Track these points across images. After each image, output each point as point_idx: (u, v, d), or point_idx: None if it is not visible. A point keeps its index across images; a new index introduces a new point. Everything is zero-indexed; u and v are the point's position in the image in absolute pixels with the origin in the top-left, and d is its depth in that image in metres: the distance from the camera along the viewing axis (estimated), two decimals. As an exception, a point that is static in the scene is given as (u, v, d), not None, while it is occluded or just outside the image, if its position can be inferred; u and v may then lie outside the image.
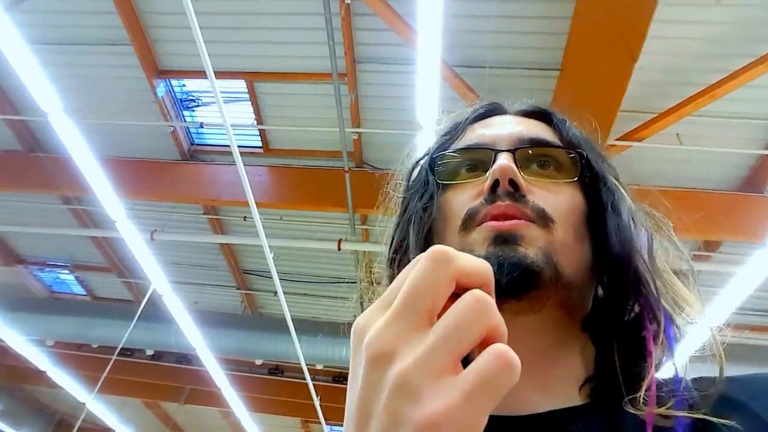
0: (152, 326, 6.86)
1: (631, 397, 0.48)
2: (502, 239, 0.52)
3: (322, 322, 6.97)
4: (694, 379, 0.51)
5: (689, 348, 0.56)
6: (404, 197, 0.69)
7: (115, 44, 4.56)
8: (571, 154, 0.60)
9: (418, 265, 0.33)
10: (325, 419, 8.15)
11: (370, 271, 0.72)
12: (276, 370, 9.28)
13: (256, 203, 4.62)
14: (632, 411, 0.47)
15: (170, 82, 5.03)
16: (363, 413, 0.31)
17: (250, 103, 5.04)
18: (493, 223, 0.53)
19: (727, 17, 3.82)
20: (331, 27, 3.93)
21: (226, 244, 6.69)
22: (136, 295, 7.71)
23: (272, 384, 9.27)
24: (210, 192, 5.29)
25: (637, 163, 4.71)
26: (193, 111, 5.34)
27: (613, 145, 4.23)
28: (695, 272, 0.59)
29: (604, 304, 0.55)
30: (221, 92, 4.98)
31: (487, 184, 0.55)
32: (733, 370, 0.49)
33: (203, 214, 6.23)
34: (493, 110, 0.70)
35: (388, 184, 0.75)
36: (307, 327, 6.40)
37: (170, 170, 5.42)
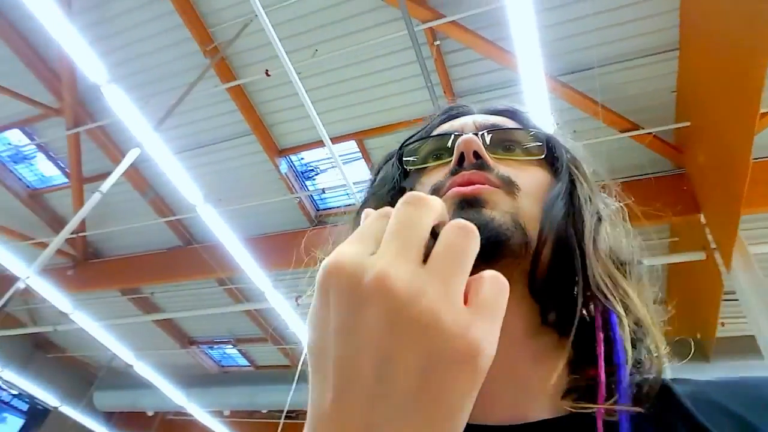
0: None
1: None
2: (467, 203, 0.51)
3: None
4: (672, 380, 0.50)
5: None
6: (371, 189, 0.70)
7: (240, 137, 5.10)
8: (535, 135, 0.61)
9: (398, 206, 0.34)
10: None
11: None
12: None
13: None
14: (580, 410, 0.46)
15: (290, 159, 5.46)
16: (379, 354, 0.29)
17: (363, 160, 5.26)
18: (457, 188, 0.52)
19: None
20: (426, 71, 4.02)
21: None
22: (293, 360, 8.19)
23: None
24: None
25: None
26: (314, 180, 5.71)
27: (765, 113, 3.68)
28: (638, 262, 0.57)
29: (549, 288, 0.52)
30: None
31: (454, 158, 0.55)
32: None
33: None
34: (460, 112, 0.69)
35: None
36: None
37: (302, 238, 5.77)
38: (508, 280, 0.48)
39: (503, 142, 0.59)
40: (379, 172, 0.70)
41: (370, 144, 5.15)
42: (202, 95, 4.57)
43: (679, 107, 4.22)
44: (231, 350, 9.13)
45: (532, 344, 0.51)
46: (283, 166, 5.36)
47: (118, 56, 4.61)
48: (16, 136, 5.84)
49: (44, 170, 6.20)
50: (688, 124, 4.07)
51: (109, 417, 10.68)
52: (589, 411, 0.45)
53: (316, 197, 5.85)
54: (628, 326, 0.49)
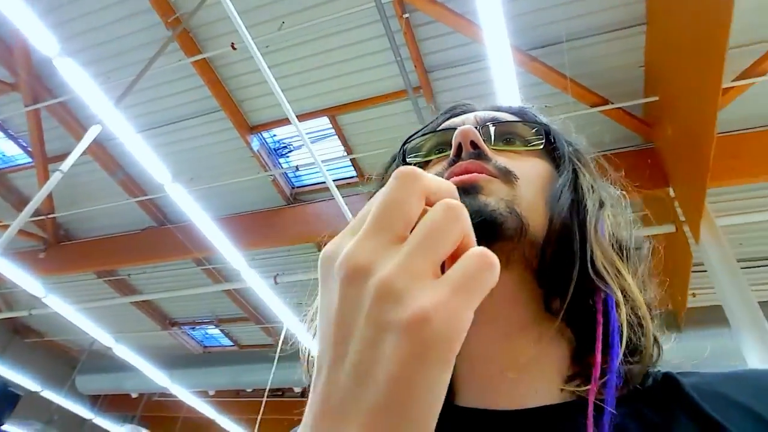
0: (295, 365, 7.21)
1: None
2: (463, 190, 0.50)
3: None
4: (678, 373, 0.51)
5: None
6: (377, 189, 0.70)
7: (208, 113, 5.02)
8: (534, 127, 0.62)
9: (387, 184, 0.32)
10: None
11: None
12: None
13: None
14: (575, 392, 0.48)
15: (262, 135, 5.39)
16: (341, 333, 0.30)
17: (337, 136, 5.22)
18: (453, 178, 0.53)
19: None
20: (395, 44, 3.97)
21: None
22: (275, 338, 8.23)
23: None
24: (317, 229, 5.51)
25: (765, 101, 4.09)
26: (288, 157, 5.65)
27: (729, 88, 3.71)
28: (638, 247, 0.57)
29: (552, 275, 0.52)
30: (309, 133, 5.26)
31: (452, 149, 0.56)
32: None
33: (318, 251, 6.50)
34: (463, 110, 0.70)
35: None
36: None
37: (278, 216, 5.77)
38: (505, 263, 0.49)
39: (503, 135, 0.61)
40: (386, 172, 0.72)
41: (344, 120, 5.10)
42: (166, 70, 4.47)
43: (647, 82, 4.22)
44: (213, 330, 9.14)
45: (535, 331, 0.52)
46: (255, 143, 5.29)
47: (73, 28, 4.46)
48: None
49: (6, 149, 6.04)
50: (656, 98, 4.08)
51: (94, 400, 10.71)
52: (583, 393, 0.47)
53: (290, 174, 5.81)
54: (626, 310, 0.50)
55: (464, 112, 0.69)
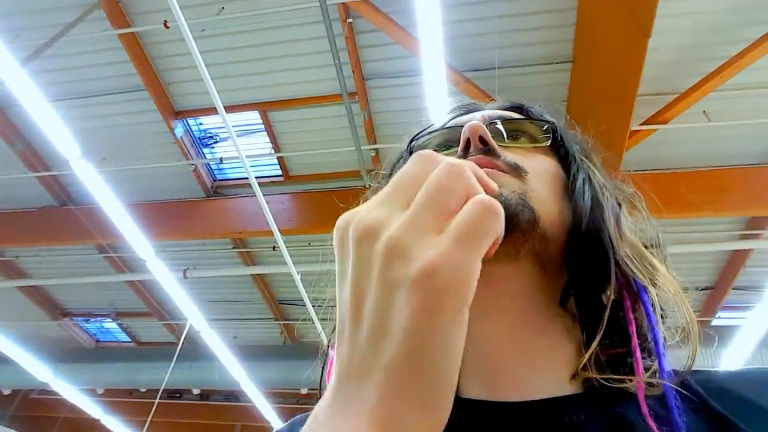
0: (195, 365, 6.93)
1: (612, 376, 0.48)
2: None
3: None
4: (694, 371, 0.50)
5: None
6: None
7: (131, 91, 4.72)
8: (541, 125, 0.62)
9: (409, 160, 0.35)
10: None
11: None
12: (322, 399, 9.20)
13: (282, 231, 4.64)
14: (620, 386, 0.47)
15: (187, 122, 5.15)
16: (357, 296, 0.31)
17: (266, 132, 5.10)
18: None
19: (741, -16, 3.68)
20: (335, 48, 3.96)
21: (259, 277, 6.74)
22: (178, 337, 7.81)
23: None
24: (236, 225, 5.34)
25: (664, 148, 4.54)
26: (213, 148, 5.44)
27: (636, 131, 4.08)
28: (664, 245, 0.58)
29: (576, 271, 0.53)
30: (237, 126, 5.10)
31: (461, 145, 0.56)
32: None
33: (233, 248, 6.30)
34: (470, 109, 0.71)
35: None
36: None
37: (196, 208, 5.51)
38: (515, 256, 0.50)
39: (510, 132, 0.60)
40: (392, 169, 0.71)
41: (275, 117, 5.00)
42: (88, 39, 4.15)
43: (568, 117, 4.52)
44: (110, 324, 8.51)
45: (544, 323, 0.52)
46: (179, 130, 5.04)
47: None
48: None
49: None
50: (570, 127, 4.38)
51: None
52: (618, 386, 0.46)
53: (213, 166, 5.59)
54: (658, 304, 0.50)
55: (471, 111, 0.69)
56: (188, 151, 5.22)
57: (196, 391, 9.47)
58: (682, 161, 4.68)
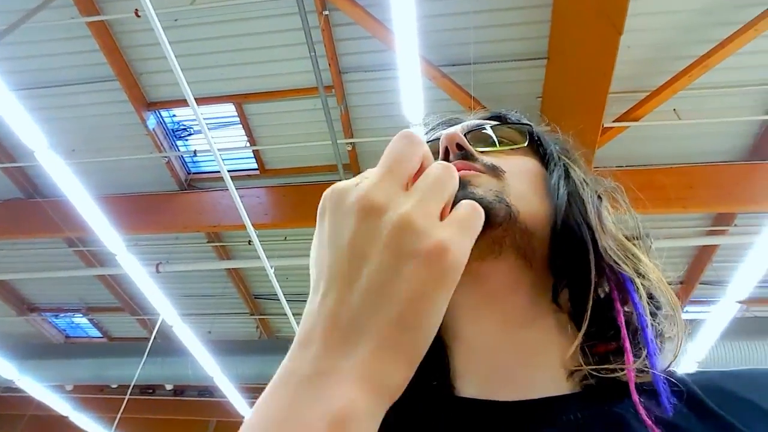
0: (168, 360, 6.83)
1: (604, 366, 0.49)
2: None
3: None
4: (692, 372, 0.51)
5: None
6: None
7: (101, 81, 4.59)
8: (520, 129, 0.64)
9: (395, 140, 0.39)
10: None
11: None
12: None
13: (257, 225, 4.60)
14: (612, 375, 0.47)
15: (160, 114, 5.04)
16: (354, 258, 0.34)
17: (241, 125, 5.03)
18: None
19: (711, -15, 3.76)
20: (311, 40, 3.92)
21: (234, 271, 6.67)
22: (151, 332, 7.68)
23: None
24: (210, 219, 5.26)
25: (636, 145, 4.63)
26: (187, 140, 5.34)
27: (608, 128, 4.15)
28: (646, 235, 0.60)
29: (562, 265, 0.54)
30: (212, 118, 5.02)
31: (440, 153, 0.58)
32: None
33: (208, 242, 6.22)
34: (451, 122, 0.72)
35: None
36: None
37: (169, 201, 5.41)
38: (498, 252, 0.52)
39: (488, 138, 0.62)
40: None
41: (250, 109, 4.93)
42: (54, 26, 4.03)
43: (542, 112, 4.58)
44: (80, 319, 8.33)
45: (535, 320, 0.52)
46: (151, 121, 4.93)
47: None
48: None
49: None
50: (548, 129, 4.44)
51: None
52: (611, 376, 0.47)
53: (187, 159, 5.49)
54: (644, 293, 0.51)
55: (453, 124, 0.69)
56: (161, 144, 5.11)
57: (169, 387, 9.34)
58: (652, 158, 4.78)
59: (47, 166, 4.06)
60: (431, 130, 0.72)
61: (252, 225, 4.38)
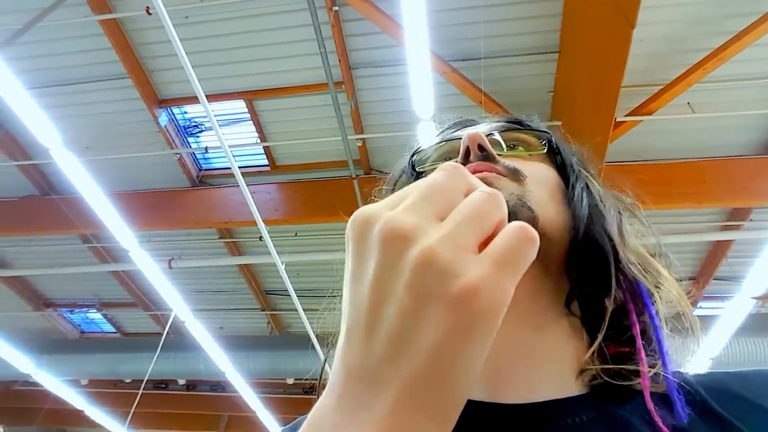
0: (181, 355, 6.89)
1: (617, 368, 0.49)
2: None
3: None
4: (698, 374, 0.51)
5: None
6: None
7: (113, 78, 4.63)
8: (538, 135, 0.64)
9: (436, 171, 0.34)
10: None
11: None
12: (311, 389, 9.22)
13: (268, 221, 4.61)
14: (625, 383, 0.47)
15: (172, 111, 5.08)
16: (376, 297, 0.30)
17: (252, 122, 5.05)
18: None
19: (726, -24, 3.70)
20: (321, 36, 3.92)
21: (246, 267, 6.71)
22: (164, 327, 7.76)
23: (307, 404, 9.21)
24: (222, 215, 5.30)
25: (649, 139, 4.58)
26: (198, 137, 5.38)
27: (621, 122, 4.10)
28: (664, 251, 0.60)
29: (579, 275, 0.53)
30: (223, 115, 5.05)
31: (461, 153, 0.57)
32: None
33: (219, 238, 6.26)
34: (467, 124, 0.72)
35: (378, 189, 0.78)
36: (335, 341, 6.33)
37: (181, 198, 5.46)
38: None
39: (508, 141, 0.62)
40: (394, 184, 0.72)
41: (260, 106, 4.95)
42: (68, 25, 4.06)
43: (554, 107, 4.54)
44: (94, 315, 8.43)
45: (546, 324, 0.52)
46: (163, 118, 4.97)
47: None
48: None
49: None
50: (559, 123, 4.40)
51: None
52: (623, 383, 0.47)
53: (199, 155, 5.53)
54: (662, 306, 0.51)
55: (468, 126, 0.70)
56: (173, 140, 5.15)
57: (182, 382, 9.44)
58: (666, 152, 4.72)
59: (61, 164, 4.11)
60: (446, 129, 0.73)
61: (263, 221, 4.40)
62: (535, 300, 0.52)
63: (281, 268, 4.70)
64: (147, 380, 6.67)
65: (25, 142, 5.22)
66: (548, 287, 0.53)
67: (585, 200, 0.55)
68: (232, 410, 9.18)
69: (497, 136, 0.61)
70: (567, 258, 0.53)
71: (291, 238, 5.87)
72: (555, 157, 0.63)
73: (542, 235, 0.48)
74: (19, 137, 5.18)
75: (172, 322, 6.04)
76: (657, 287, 0.52)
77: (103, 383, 8.80)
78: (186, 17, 4.12)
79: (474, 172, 0.52)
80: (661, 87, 4.10)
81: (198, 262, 6.08)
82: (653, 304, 0.51)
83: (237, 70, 4.60)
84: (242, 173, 4.02)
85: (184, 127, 5.26)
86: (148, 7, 3.84)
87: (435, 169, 0.63)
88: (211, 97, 4.63)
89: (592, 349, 0.49)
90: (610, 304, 0.51)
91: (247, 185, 4.08)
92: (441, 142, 0.67)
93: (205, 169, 5.62)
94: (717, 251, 5.72)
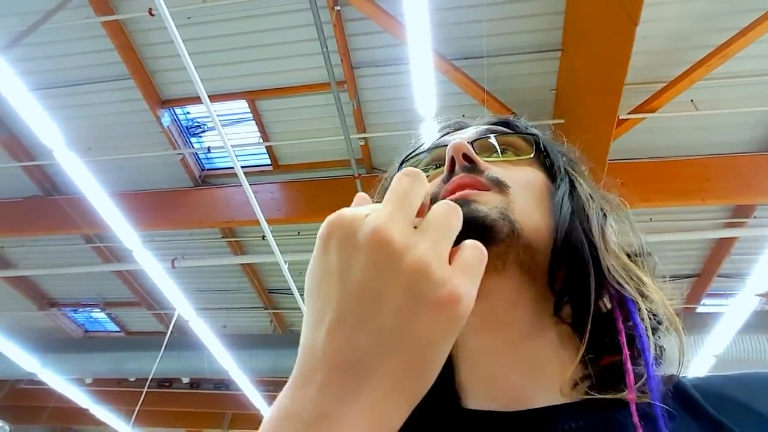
0: (184, 354, 6.92)
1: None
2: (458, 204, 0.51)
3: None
4: (686, 377, 0.52)
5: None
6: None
7: (116, 79, 4.64)
8: (525, 138, 0.64)
9: (398, 177, 0.39)
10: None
11: None
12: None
13: (271, 220, 4.62)
14: (613, 396, 0.48)
15: (174, 111, 5.08)
16: (368, 298, 0.34)
17: (254, 122, 5.05)
18: (447, 198, 0.54)
19: (730, -27, 3.68)
20: (323, 36, 3.92)
21: (248, 265, 6.72)
22: (167, 326, 7.78)
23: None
24: (224, 215, 5.30)
25: (652, 136, 4.57)
26: (201, 137, 5.38)
27: (624, 120, 4.09)
28: (648, 253, 0.59)
29: (564, 281, 0.53)
30: (225, 115, 5.05)
31: (446, 164, 0.57)
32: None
33: (222, 237, 6.27)
34: (457, 126, 0.72)
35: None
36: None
37: (184, 198, 5.47)
38: (501, 267, 0.51)
39: (495, 146, 0.62)
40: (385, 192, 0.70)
41: (263, 106, 4.95)
42: (71, 26, 4.06)
43: (556, 105, 4.53)
44: (98, 314, 8.46)
45: (538, 333, 0.52)
46: (166, 119, 4.98)
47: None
48: None
49: None
50: (562, 121, 4.39)
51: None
52: (613, 397, 0.47)
53: (201, 156, 5.53)
54: (647, 314, 0.50)
55: (459, 128, 0.70)
56: (175, 141, 5.16)
57: (185, 380, 9.48)
58: (669, 150, 4.71)
59: (65, 164, 4.12)
60: (438, 131, 0.72)
61: (265, 220, 4.41)
62: (524, 310, 0.53)
63: (284, 267, 4.71)
64: (151, 379, 6.69)
65: (29, 143, 5.24)
66: (536, 296, 0.53)
67: (566, 205, 0.55)
68: (236, 408, 9.22)
69: (485, 141, 0.62)
70: (550, 266, 0.53)
71: (294, 237, 5.88)
72: (543, 158, 0.63)
73: (527, 246, 0.52)
74: (23, 138, 5.20)
75: (175, 321, 6.06)
76: (642, 295, 0.52)
77: (107, 382, 8.84)
78: (188, 18, 4.12)
79: (458, 188, 0.54)
80: (665, 84, 4.09)
81: (201, 262, 6.10)
82: (638, 311, 0.51)
83: (239, 71, 4.60)
84: (245, 173, 4.03)
85: (186, 127, 5.27)
86: (150, 8, 3.84)
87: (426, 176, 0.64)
88: (214, 98, 4.62)
89: (577, 360, 0.50)
90: (591, 314, 0.51)
91: (249, 185, 4.09)
92: (429, 148, 0.67)
93: (208, 169, 5.63)
94: (721, 248, 5.71)
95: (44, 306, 7.92)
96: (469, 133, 0.65)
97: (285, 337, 7.74)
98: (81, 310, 8.36)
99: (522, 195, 0.54)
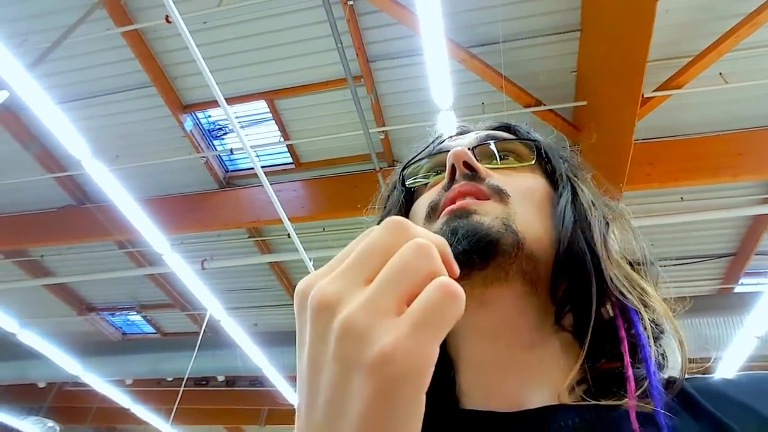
0: (218, 353, 7.06)
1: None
2: (456, 216, 0.53)
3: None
4: (687, 378, 0.51)
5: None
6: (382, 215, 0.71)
7: (138, 88, 4.74)
8: (527, 144, 0.63)
9: (375, 230, 0.33)
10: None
11: None
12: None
13: (294, 218, 4.67)
14: (614, 402, 0.47)
15: (196, 115, 5.16)
16: (313, 369, 0.30)
17: (274, 121, 5.10)
18: (448, 208, 0.55)
19: (755, -62, 3.53)
20: (337, 31, 3.92)
21: (276, 264, 6.81)
22: (200, 326, 7.95)
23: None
24: (249, 215, 5.38)
25: (680, 113, 4.44)
26: (223, 139, 5.46)
27: (649, 98, 3.97)
28: (651, 261, 0.58)
29: (565, 290, 0.53)
30: (245, 116, 5.11)
31: (447, 172, 0.57)
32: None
33: (249, 237, 6.36)
34: (460, 132, 0.72)
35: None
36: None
37: (209, 200, 5.56)
38: (504, 278, 0.51)
39: (497, 152, 0.62)
40: (387, 200, 0.72)
41: (282, 105, 4.98)
42: (92, 39, 4.16)
43: (578, 87, 4.43)
44: (135, 317, 8.71)
45: (544, 342, 0.53)
46: (188, 123, 5.06)
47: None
48: None
49: None
50: (584, 103, 4.30)
51: (-4, 390, 9.87)
52: (616, 405, 0.46)
53: (224, 158, 5.62)
54: (649, 323, 0.50)
55: (461, 134, 0.70)
56: (198, 144, 5.24)
57: (221, 378, 9.67)
58: (698, 126, 4.57)
59: (94, 174, 4.24)
60: (438, 138, 0.72)
61: (289, 218, 4.45)
62: (526, 319, 0.53)
63: (309, 264, 4.75)
64: (188, 378, 6.86)
65: (59, 155, 5.40)
66: (538, 305, 0.53)
67: (569, 215, 0.55)
68: (271, 404, 9.38)
69: (486, 148, 0.61)
70: (552, 276, 0.53)
71: (319, 234, 5.92)
72: (545, 165, 0.62)
73: (530, 256, 0.51)
74: (54, 150, 5.36)
75: (208, 321, 6.19)
76: (644, 305, 0.52)
77: (146, 382, 9.09)
78: (204, 22, 4.17)
79: (459, 196, 0.55)
80: (690, 59, 3.95)
81: (229, 262, 6.20)
82: (640, 320, 0.50)
83: (257, 71, 4.64)
84: (267, 172, 4.08)
85: (208, 130, 5.35)
86: (167, 15, 3.90)
87: (426, 183, 0.64)
88: (233, 99, 4.69)
89: (577, 366, 0.50)
90: (592, 322, 0.50)
91: (272, 184, 4.13)
92: (430, 155, 0.67)
93: (232, 171, 5.71)
94: (757, 225, 5.52)
95: (83, 311, 8.19)
96: (470, 138, 0.65)
97: (315, 333, 7.81)
98: (118, 313, 8.61)
99: (523, 204, 0.55)
